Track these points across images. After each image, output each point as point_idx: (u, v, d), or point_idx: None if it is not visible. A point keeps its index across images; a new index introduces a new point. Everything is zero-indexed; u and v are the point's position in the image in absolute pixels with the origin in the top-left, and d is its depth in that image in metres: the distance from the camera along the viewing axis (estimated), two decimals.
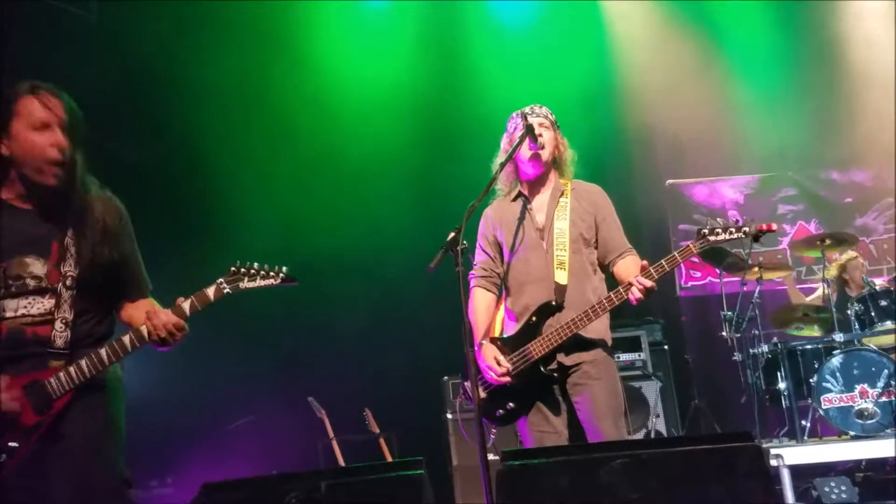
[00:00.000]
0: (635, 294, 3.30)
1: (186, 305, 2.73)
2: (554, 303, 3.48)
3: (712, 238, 3.31)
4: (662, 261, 3.31)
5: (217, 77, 6.99)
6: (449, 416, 6.35)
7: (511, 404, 3.52)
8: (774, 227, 3.33)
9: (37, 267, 2.68)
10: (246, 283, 2.74)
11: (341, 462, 6.18)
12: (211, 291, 2.73)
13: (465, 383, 3.59)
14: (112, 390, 2.79)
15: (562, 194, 3.65)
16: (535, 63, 7.98)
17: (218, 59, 6.98)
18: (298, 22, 7.52)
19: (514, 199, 3.71)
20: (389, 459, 6.17)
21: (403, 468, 2.62)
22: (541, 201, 3.67)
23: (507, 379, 3.46)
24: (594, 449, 2.92)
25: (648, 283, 3.28)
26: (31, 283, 2.67)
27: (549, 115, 3.71)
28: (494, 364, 3.47)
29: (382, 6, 8.05)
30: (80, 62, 6.10)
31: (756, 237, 3.34)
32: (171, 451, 6.56)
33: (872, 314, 5.79)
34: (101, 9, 6.73)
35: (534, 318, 3.51)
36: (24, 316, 2.65)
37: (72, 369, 2.64)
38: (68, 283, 2.68)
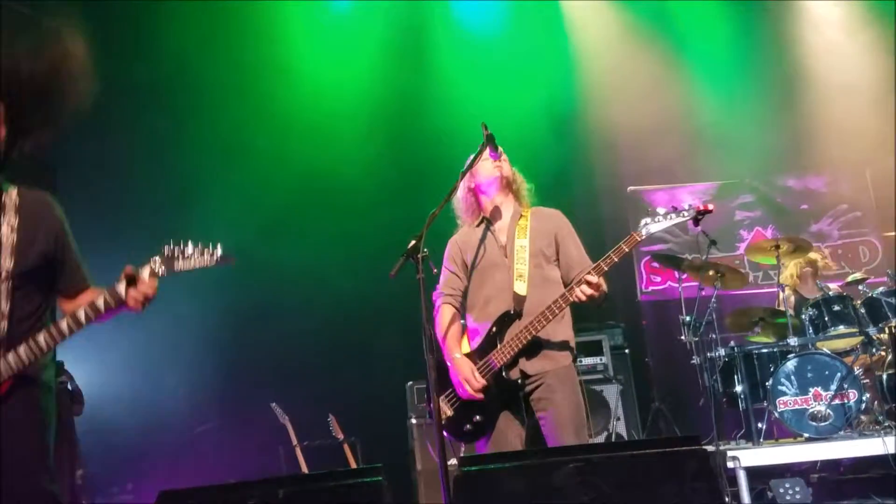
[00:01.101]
0: (585, 291, 3.37)
1: (145, 272, 2.71)
2: (512, 311, 3.54)
3: (654, 226, 3.39)
4: (609, 252, 3.41)
5: (176, 82, 6.97)
6: (413, 420, 6.38)
7: (478, 417, 3.54)
8: (711, 207, 3.42)
9: None
10: (181, 264, 2.72)
11: (304, 469, 6.17)
12: (145, 271, 2.71)
13: (430, 404, 3.60)
14: (45, 390, 2.77)
15: (521, 217, 3.76)
16: (500, 71, 8.06)
17: (179, 64, 6.95)
18: (261, 27, 7.52)
19: (478, 226, 3.80)
20: (354, 465, 6.18)
21: (363, 475, 2.65)
22: (503, 224, 3.77)
23: (481, 395, 3.50)
24: (548, 454, 2.98)
25: (594, 279, 3.37)
26: None
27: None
28: (472, 378, 3.49)
29: (346, 9, 8.06)
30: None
31: (696, 220, 3.42)
32: (131, 456, 6.51)
33: (826, 319, 5.92)
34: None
35: (494, 329, 3.56)
36: None
37: (10, 356, 2.64)
38: (3, 275, 2.67)
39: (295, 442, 6.29)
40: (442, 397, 3.57)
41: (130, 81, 6.78)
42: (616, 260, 3.43)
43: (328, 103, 7.58)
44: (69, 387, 5.00)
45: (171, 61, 6.96)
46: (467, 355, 3.61)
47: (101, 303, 2.69)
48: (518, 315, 3.54)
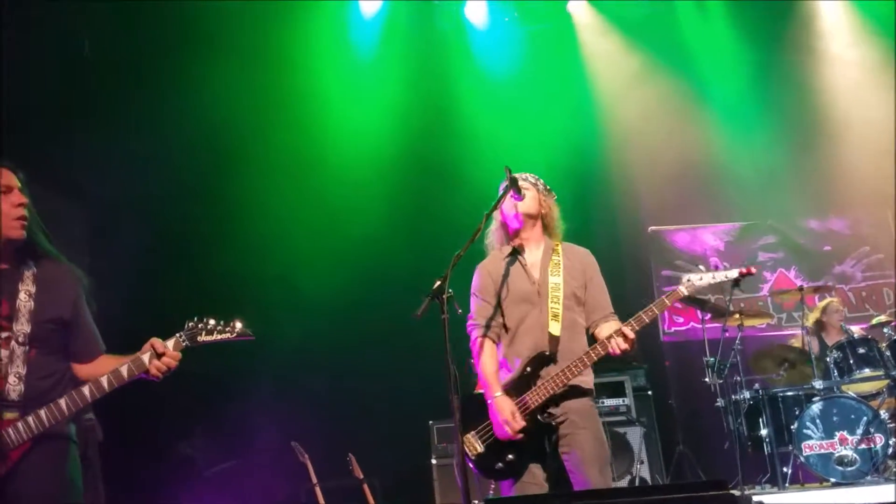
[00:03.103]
0: (621, 345, 3.45)
1: (170, 344, 2.86)
2: (548, 353, 3.56)
3: (698, 283, 3.46)
4: (651, 305, 3.47)
5: (204, 123, 7.09)
6: (434, 461, 6.35)
7: (510, 456, 3.53)
8: (754, 270, 3.48)
9: None
10: (203, 337, 2.88)
11: None
12: (171, 343, 2.86)
13: (468, 435, 3.60)
14: (73, 443, 2.90)
15: (553, 251, 3.77)
16: (520, 111, 8.13)
17: (205, 108, 7.09)
18: (289, 70, 7.64)
19: (507, 256, 3.81)
20: None
21: None
22: (534, 257, 3.78)
23: (520, 436, 3.49)
24: (574, 497, 2.96)
25: (632, 334, 3.42)
26: None
27: (534, 179, 3.82)
28: (511, 419, 3.49)
29: (371, 54, 8.20)
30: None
31: (737, 281, 3.49)
32: (153, 494, 6.50)
33: (851, 361, 5.87)
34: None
35: (528, 369, 3.57)
36: None
37: (30, 419, 2.74)
38: (20, 339, 2.80)
39: (315, 480, 6.27)
40: (472, 433, 3.57)
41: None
42: (657, 313, 3.48)
43: (350, 146, 7.67)
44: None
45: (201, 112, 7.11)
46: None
47: (125, 371, 2.82)
48: (553, 358, 3.56)
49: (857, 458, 5.48)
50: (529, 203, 3.74)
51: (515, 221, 3.76)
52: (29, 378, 2.79)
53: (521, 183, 3.68)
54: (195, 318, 2.89)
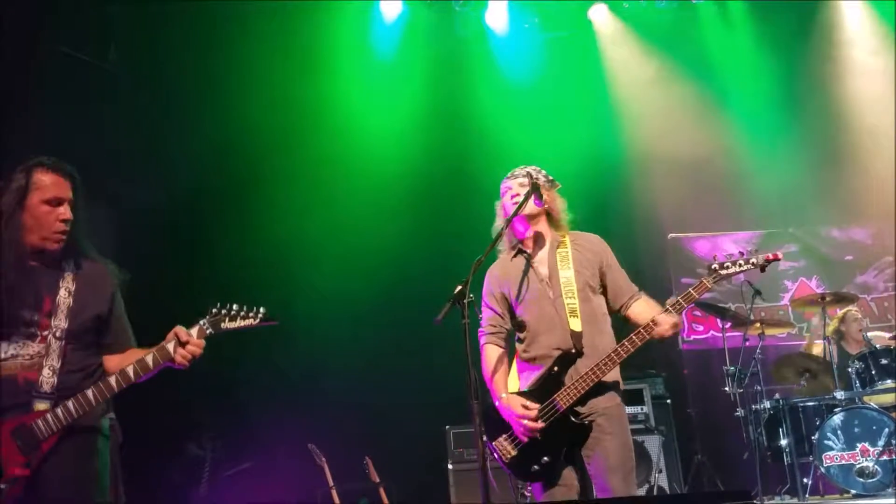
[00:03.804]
0: (667, 333, 3.39)
1: (194, 332, 2.91)
2: (574, 350, 3.50)
3: (723, 272, 3.40)
4: (690, 289, 3.44)
5: (228, 126, 7.14)
6: (450, 466, 6.34)
7: (546, 458, 3.47)
8: (780, 255, 3.44)
9: (30, 316, 2.89)
10: (227, 324, 2.91)
11: None
12: (194, 331, 2.90)
13: (492, 443, 3.57)
14: (104, 437, 2.98)
15: (560, 245, 3.70)
16: (539, 116, 8.12)
17: (226, 110, 7.14)
18: (310, 72, 7.68)
19: (515, 257, 3.77)
20: None
21: None
22: (542, 255, 3.72)
23: (539, 424, 3.45)
24: None
25: (674, 319, 3.37)
26: (24, 329, 2.88)
27: (535, 173, 3.75)
28: (524, 411, 3.46)
29: (391, 57, 8.23)
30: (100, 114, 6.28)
31: (763, 267, 3.43)
32: (168, 494, 6.53)
33: (873, 372, 5.82)
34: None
35: (555, 369, 3.51)
36: (14, 357, 2.83)
37: (59, 410, 2.81)
38: (57, 334, 2.90)
39: (331, 483, 6.28)
40: (504, 437, 3.54)
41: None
42: (688, 303, 3.44)
43: (368, 149, 7.69)
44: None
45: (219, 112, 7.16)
46: (523, 394, 3.56)
47: (150, 360, 2.89)
48: (579, 354, 3.50)
49: (879, 469, 5.43)
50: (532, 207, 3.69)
51: (520, 225, 3.72)
52: (62, 371, 2.87)
53: (513, 183, 3.70)
54: (217, 305, 2.92)
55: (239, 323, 2.91)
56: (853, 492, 5.43)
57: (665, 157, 8.13)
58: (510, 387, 3.71)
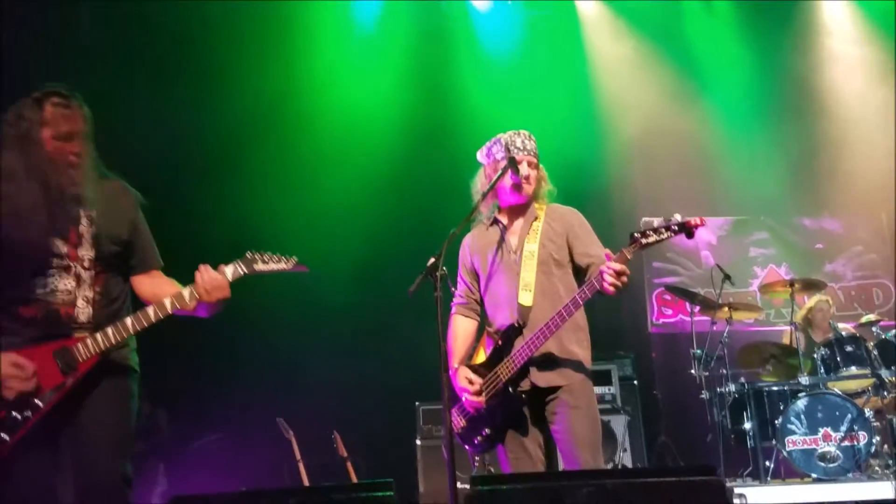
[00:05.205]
0: (608, 280, 3.18)
1: (229, 271, 3.00)
2: (517, 324, 3.50)
3: (644, 241, 3.26)
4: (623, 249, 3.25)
5: (206, 100, 7.05)
6: (419, 441, 6.35)
7: (486, 430, 3.53)
8: (700, 220, 3.23)
9: (59, 249, 2.91)
10: (260, 266, 3.03)
11: (306, 484, 6.13)
12: (229, 270, 2.98)
13: (453, 409, 3.59)
14: (134, 378, 3.02)
15: (535, 219, 3.66)
16: (519, 95, 8.09)
17: (204, 85, 7.05)
18: (291, 46, 7.59)
19: (491, 226, 3.75)
20: None
21: (373, 489, 2.62)
22: (516, 227, 3.69)
23: (481, 399, 3.47)
24: (562, 477, 2.95)
25: (618, 266, 3.18)
26: (55, 261, 2.89)
27: (533, 146, 3.70)
28: (467, 384, 3.50)
29: (372, 31, 8.15)
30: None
31: (689, 233, 3.26)
32: (137, 459, 6.47)
33: (838, 359, 5.90)
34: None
35: (500, 342, 3.53)
36: (52, 292, 2.86)
37: (98, 335, 2.86)
38: (86, 264, 2.92)
39: (298, 457, 6.25)
40: (455, 408, 3.58)
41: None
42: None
43: (348, 125, 7.63)
44: None
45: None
46: (474, 367, 3.59)
47: (186, 295, 2.94)
48: (523, 327, 3.49)
49: (840, 454, 5.51)
50: (531, 186, 3.66)
51: (513, 198, 3.67)
52: (96, 301, 2.92)
53: (524, 157, 3.64)
54: (251, 250, 3.01)
55: (272, 266, 3.02)
56: (814, 476, 5.51)
57: (642, 139, 8.16)
58: (479, 360, 3.72)
